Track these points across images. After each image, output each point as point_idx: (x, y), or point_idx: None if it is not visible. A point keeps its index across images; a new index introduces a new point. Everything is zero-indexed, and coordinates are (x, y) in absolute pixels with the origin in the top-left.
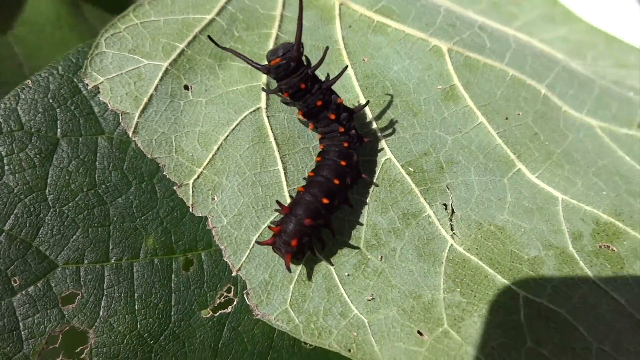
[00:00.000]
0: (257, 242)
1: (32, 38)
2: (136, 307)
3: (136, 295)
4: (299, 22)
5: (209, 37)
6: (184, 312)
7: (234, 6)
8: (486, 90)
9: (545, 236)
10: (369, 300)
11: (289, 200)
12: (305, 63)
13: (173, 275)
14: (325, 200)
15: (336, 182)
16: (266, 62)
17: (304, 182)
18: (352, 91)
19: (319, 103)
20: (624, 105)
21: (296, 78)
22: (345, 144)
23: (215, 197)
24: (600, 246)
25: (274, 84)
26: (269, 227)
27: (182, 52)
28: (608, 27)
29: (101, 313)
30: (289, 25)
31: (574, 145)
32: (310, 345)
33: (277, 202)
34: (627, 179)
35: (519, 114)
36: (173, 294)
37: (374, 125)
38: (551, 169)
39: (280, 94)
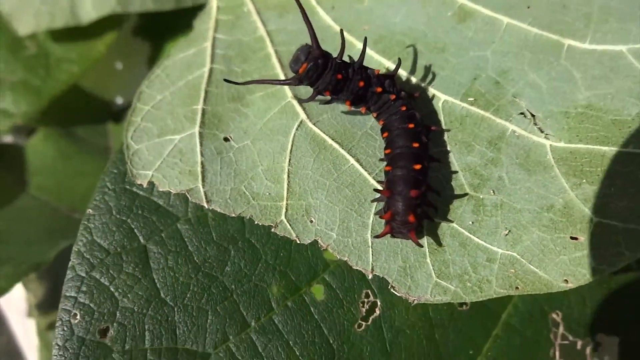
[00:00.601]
0: (375, 236)
1: (49, 181)
2: (297, 352)
3: (290, 343)
4: (307, 22)
5: (225, 80)
6: (341, 335)
7: (221, 48)
8: None
9: (635, 91)
10: (506, 235)
11: (378, 186)
12: (327, 54)
13: (312, 308)
14: (417, 166)
15: (415, 145)
16: (292, 75)
17: (382, 165)
18: (373, 63)
19: (362, 84)
20: None
21: (330, 73)
22: (403, 108)
23: (313, 219)
24: None
25: (303, 93)
26: (379, 217)
27: (203, 111)
28: None
29: None
30: (280, 37)
31: None
32: (465, 305)
33: (375, 190)
34: None
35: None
36: (322, 324)
37: (414, 80)
38: (598, 28)
39: (321, 96)
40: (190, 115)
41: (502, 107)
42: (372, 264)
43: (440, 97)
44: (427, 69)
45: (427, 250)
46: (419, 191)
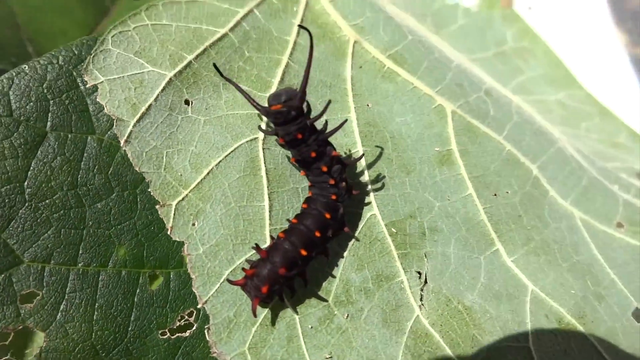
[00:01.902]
0: (228, 280)
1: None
2: (95, 316)
3: (97, 304)
4: (307, 72)
5: (214, 65)
6: (142, 330)
7: (249, 24)
8: (481, 162)
9: (508, 326)
10: (327, 358)
11: (268, 240)
12: (305, 111)
13: (138, 290)
14: (304, 252)
15: (317, 234)
16: (266, 104)
17: (287, 224)
18: (350, 136)
19: (313, 154)
20: (608, 200)
21: (294, 127)
22: (334, 197)
23: (196, 224)
24: (557, 349)
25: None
26: (242, 268)
27: (189, 64)
28: (605, 97)
29: (58, 317)
30: (301, 55)
31: (553, 235)
32: None
33: (256, 245)
34: (597, 280)
35: (507, 193)
36: (134, 309)
37: (366, 177)
38: (527, 255)
39: (276, 137)
40: (175, 58)
41: (410, 256)
42: (209, 297)
43: (372, 209)
44: (383, 178)
45: (259, 320)
46: (289, 273)
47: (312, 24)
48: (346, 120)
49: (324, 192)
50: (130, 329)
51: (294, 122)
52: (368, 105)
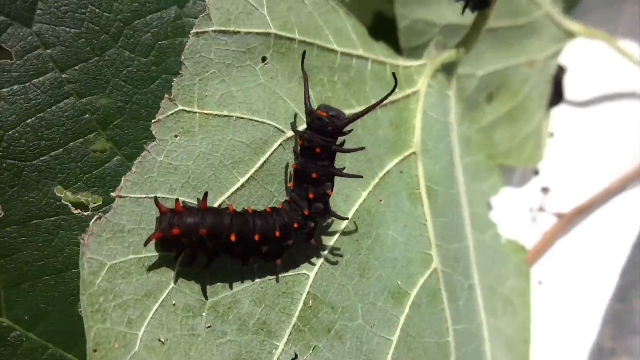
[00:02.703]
0: (155, 197)
1: None
2: None
3: None
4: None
5: (304, 53)
6: None
7: None
8: None
9: None
10: (160, 341)
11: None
12: (336, 142)
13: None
14: (233, 238)
15: (277, 234)
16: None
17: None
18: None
19: (314, 176)
20: None
21: (319, 139)
22: (296, 225)
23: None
24: None
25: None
26: (176, 199)
27: (292, 39)
28: None
29: None
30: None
31: None
32: None
33: (205, 194)
34: None
35: None
36: None
37: (331, 242)
38: None
39: (298, 138)
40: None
41: (303, 333)
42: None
43: (309, 272)
44: (338, 256)
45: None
46: (209, 242)
47: None
48: (363, 148)
49: (292, 215)
50: None
51: (323, 136)
52: (381, 200)
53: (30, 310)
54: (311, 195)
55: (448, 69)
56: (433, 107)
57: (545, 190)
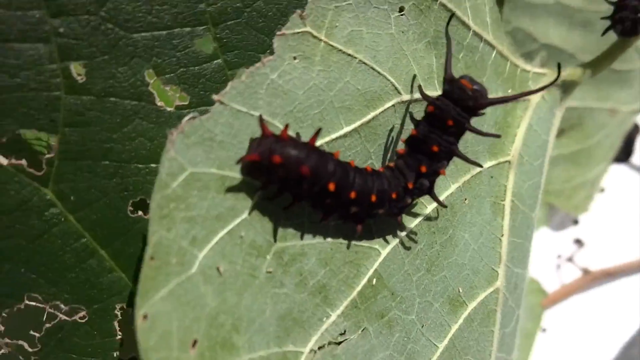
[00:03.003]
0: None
1: None
2: None
3: None
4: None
5: (449, 19)
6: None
7: None
8: None
9: None
10: (218, 270)
11: None
12: (470, 123)
13: None
14: (332, 187)
15: (352, 195)
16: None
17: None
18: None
19: (435, 149)
20: None
21: (455, 112)
22: (394, 195)
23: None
24: None
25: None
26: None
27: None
28: None
29: None
30: None
31: None
32: None
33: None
34: None
35: None
36: None
37: (414, 224)
38: None
39: (427, 103)
40: None
41: (356, 310)
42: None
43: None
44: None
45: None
46: (305, 176)
47: None
48: (499, 136)
49: (393, 183)
50: None
51: (460, 109)
52: (465, 200)
53: (79, 191)
54: (423, 169)
55: (565, 87)
56: (539, 122)
57: (579, 242)
